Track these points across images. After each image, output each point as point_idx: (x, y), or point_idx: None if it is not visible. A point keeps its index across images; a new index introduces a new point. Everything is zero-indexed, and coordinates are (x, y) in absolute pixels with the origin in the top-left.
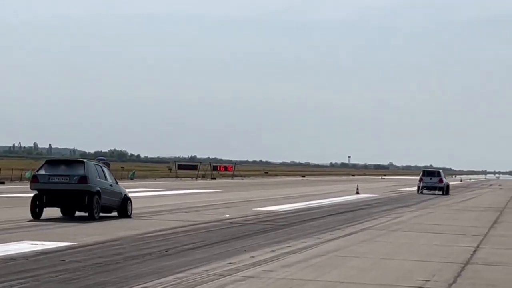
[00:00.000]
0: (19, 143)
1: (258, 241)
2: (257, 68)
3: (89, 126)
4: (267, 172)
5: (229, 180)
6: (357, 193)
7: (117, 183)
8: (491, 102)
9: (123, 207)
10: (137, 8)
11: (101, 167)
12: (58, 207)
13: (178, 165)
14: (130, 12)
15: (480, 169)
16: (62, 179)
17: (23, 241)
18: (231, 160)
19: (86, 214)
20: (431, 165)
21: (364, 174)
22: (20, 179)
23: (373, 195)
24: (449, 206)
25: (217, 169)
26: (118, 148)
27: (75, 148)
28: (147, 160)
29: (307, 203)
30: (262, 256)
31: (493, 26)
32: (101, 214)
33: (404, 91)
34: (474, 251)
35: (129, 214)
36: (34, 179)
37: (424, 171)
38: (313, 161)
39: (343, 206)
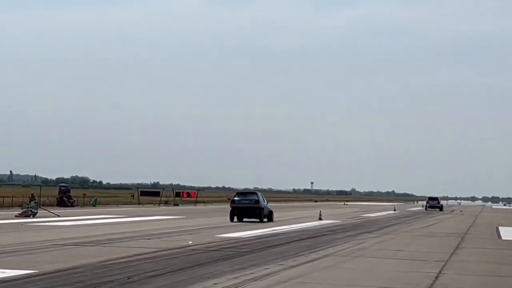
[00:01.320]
0: None
1: (221, 268)
2: (219, 94)
3: (50, 153)
4: (229, 198)
5: (192, 207)
6: (320, 219)
7: (267, 203)
8: (452, 129)
9: (270, 216)
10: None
11: (261, 195)
12: (244, 217)
13: (141, 191)
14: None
15: (442, 195)
16: (247, 201)
17: None
18: (193, 186)
19: (257, 220)
20: (393, 191)
21: (327, 200)
22: None
23: (336, 221)
24: (411, 231)
25: (180, 195)
26: (80, 175)
27: (37, 175)
28: (109, 187)
29: (270, 229)
30: (225, 283)
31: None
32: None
33: (366, 117)
34: (436, 277)
35: (273, 220)
36: (232, 202)
37: (428, 197)
38: (276, 187)
39: (306, 232)
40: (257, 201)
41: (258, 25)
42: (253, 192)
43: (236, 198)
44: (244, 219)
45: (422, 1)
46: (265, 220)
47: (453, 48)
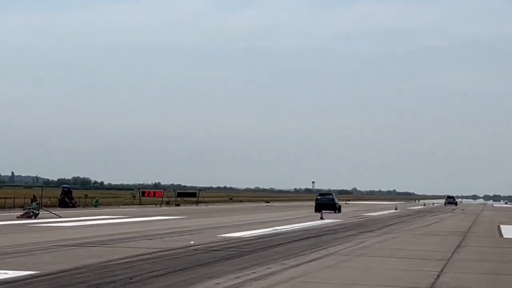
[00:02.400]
0: None
1: (223, 267)
2: (221, 97)
3: (52, 154)
4: (231, 198)
5: (194, 207)
6: (321, 218)
7: (337, 200)
8: (452, 127)
9: (339, 208)
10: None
11: (334, 195)
12: (323, 209)
13: (142, 192)
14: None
15: (443, 194)
16: (326, 199)
17: None
18: (195, 187)
19: (332, 211)
20: (394, 190)
21: None
22: None
23: (337, 221)
24: (413, 231)
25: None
26: (82, 176)
27: (38, 176)
28: (110, 187)
29: (271, 229)
30: (227, 282)
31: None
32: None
33: (368, 117)
34: (438, 276)
35: (341, 211)
36: (316, 200)
37: (447, 196)
38: (277, 186)
39: (308, 231)
40: (332, 199)
41: (257, 27)
42: (329, 193)
43: (319, 197)
44: (323, 211)
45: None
46: (337, 211)
47: (452, 50)
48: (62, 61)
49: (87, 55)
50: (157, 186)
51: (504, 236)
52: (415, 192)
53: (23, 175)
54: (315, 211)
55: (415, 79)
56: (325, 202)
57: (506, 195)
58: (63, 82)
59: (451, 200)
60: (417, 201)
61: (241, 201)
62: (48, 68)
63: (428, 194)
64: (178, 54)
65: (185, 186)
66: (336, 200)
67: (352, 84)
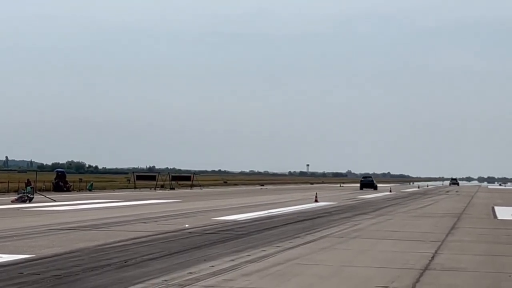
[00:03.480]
0: None
1: (218, 250)
2: (216, 79)
3: (46, 138)
4: (226, 182)
5: (188, 190)
6: (316, 201)
7: (375, 182)
8: (447, 109)
9: (376, 187)
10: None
11: (372, 177)
12: (366, 188)
13: (137, 175)
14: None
15: (437, 176)
16: (367, 180)
17: None
18: (189, 170)
19: (372, 189)
20: (389, 173)
21: (323, 182)
22: None
23: (332, 203)
24: (407, 212)
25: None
26: (76, 160)
27: (32, 160)
28: (105, 171)
29: (266, 211)
30: (222, 265)
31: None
32: None
33: (361, 99)
34: (432, 257)
35: (377, 189)
36: (361, 181)
37: (451, 178)
38: (272, 170)
39: (302, 214)
40: (372, 180)
41: (254, 12)
42: (370, 176)
43: (362, 179)
44: (364, 189)
45: None
46: (375, 189)
47: (437, 31)
48: (56, 47)
49: (76, 42)
50: (151, 169)
51: (499, 218)
52: (410, 175)
53: (17, 159)
54: (360, 189)
55: (409, 60)
56: (367, 182)
57: (500, 176)
58: (56, 67)
59: (454, 182)
60: (411, 183)
61: (235, 185)
62: (39, 51)
63: (423, 176)
64: (176, 38)
65: (179, 170)
66: (374, 181)
67: (346, 67)
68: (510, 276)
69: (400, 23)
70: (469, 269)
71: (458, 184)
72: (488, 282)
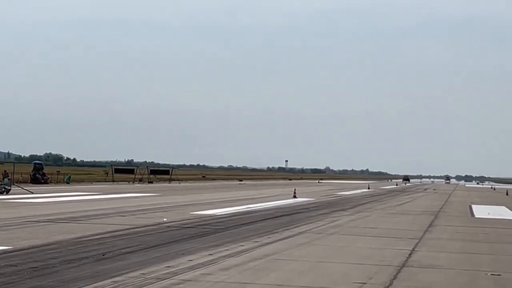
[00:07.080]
0: None
1: (196, 244)
2: (193, 72)
3: (23, 130)
4: (204, 176)
5: (167, 184)
6: (294, 197)
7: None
8: (426, 107)
9: (409, 180)
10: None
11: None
12: (407, 181)
13: (115, 169)
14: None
15: (415, 174)
16: (406, 177)
17: None
18: (168, 164)
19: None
20: (367, 169)
21: (301, 178)
22: None
23: (310, 199)
24: (385, 209)
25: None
26: (54, 152)
27: (10, 152)
28: (83, 164)
29: (244, 207)
30: (200, 259)
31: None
32: None
33: (340, 96)
34: (410, 254)
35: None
36: (403, 178)
37: (446, 176)
38: (251, 165)
39: (281, 210)
40: (407, 177)
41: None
42: (407, 177)
43: (404, 176)
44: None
45: None
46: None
47: (421, 27)
48: (41, 36)
49: (59, 33)
50: (129, 163)
51: (476, 216)
52: (388, 172)
53: None
54: (402, 181)
55: (388, 57)
56: (406, 178)
57: (477, 175)
58: (37, 58)
59: (406, 179)
60: (390, 180)
61: (214, 179)
62: (21, 46)
63: (401, 174)
64: (156, 29)
65: (158, 164)
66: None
67: (325, 62)
68: (486, 274)
69: (376, 19)
70: (446, 267)
71: (449, 181)
72: (465, 279)
